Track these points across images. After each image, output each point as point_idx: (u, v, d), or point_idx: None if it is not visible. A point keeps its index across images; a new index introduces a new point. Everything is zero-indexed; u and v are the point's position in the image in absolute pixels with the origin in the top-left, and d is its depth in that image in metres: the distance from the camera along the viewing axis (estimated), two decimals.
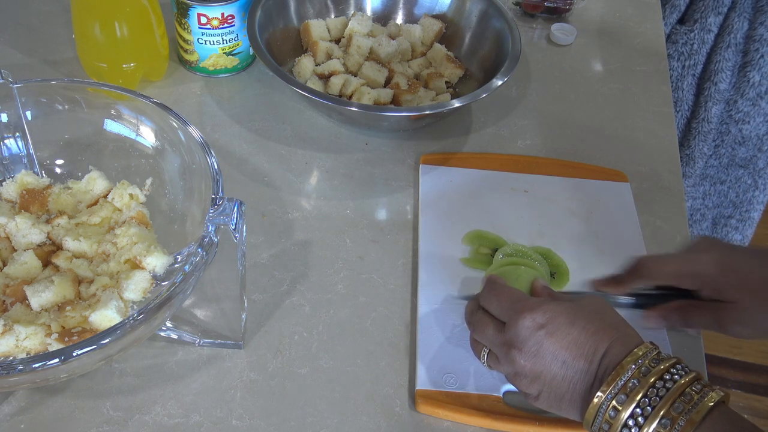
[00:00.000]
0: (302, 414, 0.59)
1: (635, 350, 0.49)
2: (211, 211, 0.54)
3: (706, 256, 0.60)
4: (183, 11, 0.83)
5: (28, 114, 0.66)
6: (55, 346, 0.54)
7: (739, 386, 1.66)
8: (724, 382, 1.68)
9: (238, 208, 0.54)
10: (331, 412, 0.59)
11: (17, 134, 0.66)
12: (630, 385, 0.47)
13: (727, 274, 0.59)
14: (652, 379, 0.47)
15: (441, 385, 0.60)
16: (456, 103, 0.77)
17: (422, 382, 0.60)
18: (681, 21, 1.11)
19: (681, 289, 0.62)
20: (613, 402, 0.48)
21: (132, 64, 0.82)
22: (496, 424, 0.59)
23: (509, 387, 0.61)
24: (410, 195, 0.78)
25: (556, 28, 1.01)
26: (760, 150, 1.14)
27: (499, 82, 0.79)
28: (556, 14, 1.04)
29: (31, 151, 0.67)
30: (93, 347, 0.47)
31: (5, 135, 0.66)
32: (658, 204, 0.79)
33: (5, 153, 0.67)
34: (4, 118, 0.65)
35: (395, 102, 0.84)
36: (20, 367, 0.46)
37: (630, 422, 0.47)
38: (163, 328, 0.61)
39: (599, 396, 0.48)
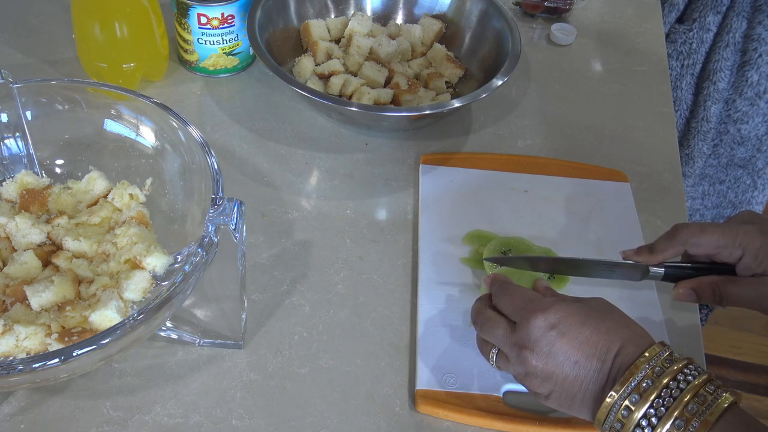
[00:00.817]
0: (302, 414, 0.59)
1: (648, 350, 0.49)
2: (211, 211, 0.54)
3: (750, 226, 0.59)
4: (183, 11, 0.83)
5: (28, 114, 0.66)
6: (55, 346, 0.54)
7: (739, 386, 1.66)
8: (724, 382, 1.67)
9: (238, 208, 0.54)
10: (331, 412, 0.59)
11: (17, 134, 0.66)
12: (644, 385, 0.47)
13: None
14: (666, 380, 0.47)
15: (441, 385, 0.60)
16: (456, 103, 0.77)
17: (422, 382, 0.60)
18: (680, 20, 1.11)
19: (715, 265, 0.61)
20: (626, 402, 0.47)
21: (132, 64, 0.82)
22: (496, 424, 0.59)
23: (509, 387, 0.61)
24: (410, 195, 0.78)
25: (556, 28, 1.01)
26: (759, 150, 1.14)
27: (499, 82, 0.79)
28: (556, 14, 1.04)
29: (31, 151, 0.67)
30: (93, 347, 0.47)
31: (5, 135, 0.66)
32: (658, 204, 0.79)
33: (5, 153, 0.67)
34: (4, 118, 0.65)
35: (395, 102, 0.84)
36: (20, 367, 0.46)
37: (643, 422, 0.47)
38: (163, 328, 0.61)
39: (612, 395, 0.48)
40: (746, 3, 1.03)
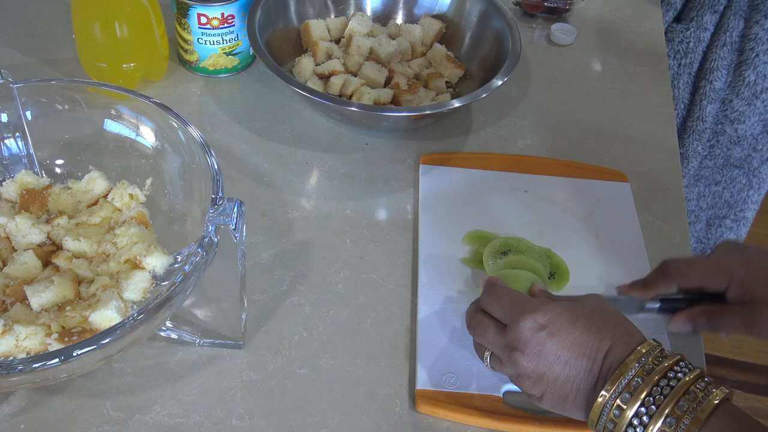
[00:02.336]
0: (302, 414, 0.59)
1: (638, 348, 0.49)
2: (211, 211, 0.54)
3: (733, 255, 0.61)
4: (183, 11, 0.83)
5: (28, 114, 0.66)
6: (55, 346, 0.54)
7: (739, 386, 1.66)
8: (724, 382, 1.67)
9: (238, 208, 0.54)
10: (331, 412, 0.59)
11: (17, 134, 0.66)
12: (634, 383, 0.47)
13: (756, 273, 0.59)
14: (656, 377, 0.47)
15: (441, 385, 0.60)
16: (456, 103, 0.77)
17: (422, 382, 0.60)
18: (677, 19, 1.11)
19: (707, 295, 0.62)
20: (618, 401, 0.47)
21: (132, 64, 0.82)
22: (496, 424, 0.59)
23: (509, 387, 0.61)
24: (410, 195, 0.78)
25: (556, 28, 1.01)
26: (755, 149, 1.14)
27: (499, 82, 0.79)
28: (556, 14, 1.04)
29: (31, 151, 0.67)
30: (93, 347, 0.47)
31: (5, 135, 0.66)
32: (658, 204, 0.79)
33: (5, 153, 0.67)
34: (4, 118, 0.65)
35: (395, 102, 0.84)
36: (20, 367, 0.46)
37: (635, 421, 0.46)
38: (163, 328, 0.61)
39: (603, 395, 0.48)
40: (743, 2, 1.03)
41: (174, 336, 0.62)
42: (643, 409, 0.46)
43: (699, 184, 1.20)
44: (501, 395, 0.60)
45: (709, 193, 1.21)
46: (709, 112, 1.10)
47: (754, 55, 1.04)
